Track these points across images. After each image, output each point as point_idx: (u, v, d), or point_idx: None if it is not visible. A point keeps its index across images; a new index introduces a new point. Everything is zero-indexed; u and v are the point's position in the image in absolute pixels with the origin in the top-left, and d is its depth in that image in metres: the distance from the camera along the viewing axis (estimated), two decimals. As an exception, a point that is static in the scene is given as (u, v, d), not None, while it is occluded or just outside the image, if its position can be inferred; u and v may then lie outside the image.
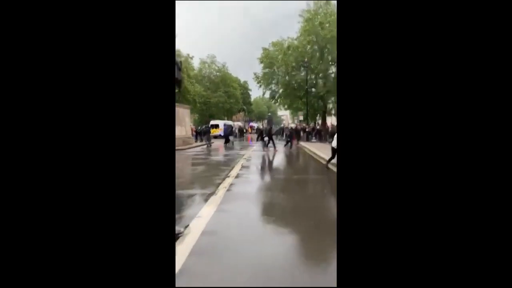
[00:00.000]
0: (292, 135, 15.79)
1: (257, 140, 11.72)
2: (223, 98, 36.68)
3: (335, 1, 22.03)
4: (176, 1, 1.24)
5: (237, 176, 6.48)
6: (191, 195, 4.75)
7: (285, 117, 54.20)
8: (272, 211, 3.99)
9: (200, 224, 3.31)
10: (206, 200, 4.39)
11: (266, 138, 13.04)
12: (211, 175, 6.78)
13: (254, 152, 12.55)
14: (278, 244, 2.77)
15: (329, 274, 2.16)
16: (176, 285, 1.25)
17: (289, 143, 14.01)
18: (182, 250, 2.57)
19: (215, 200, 4.39)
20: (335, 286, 1.11)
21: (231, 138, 17.13)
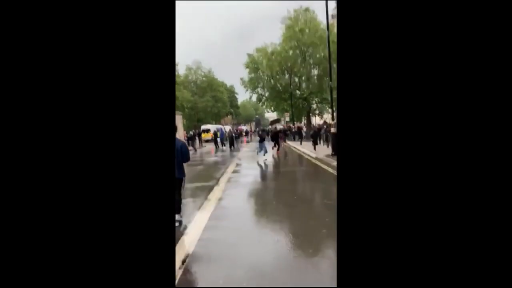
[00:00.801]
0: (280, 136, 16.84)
1: (260, 142, 10.57)
2: (210, 102, 37.58)
3: (314, 9, 23.42)
4: (176, 1, 1.23)
5: (234, 172, 7.54)
6: (198, 187, 5.75)
7: (273, 119, 55.51)
8: (264, 191, 5.10)
9: (211, 204, 4.36)
10: (211, 189, 5.42)
11: (268, 141, 11.85)
12: (211, 172, 7.81)
13: (246, 153, 13.61)
14: (268, 209, 3.87)
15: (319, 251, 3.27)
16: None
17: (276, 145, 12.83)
18: (203, 220, 3.65)
19: (219, 188, 5.44)
20: (335, 286, 1.13)
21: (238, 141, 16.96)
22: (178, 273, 2.25)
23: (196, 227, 3.33)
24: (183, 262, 2.44)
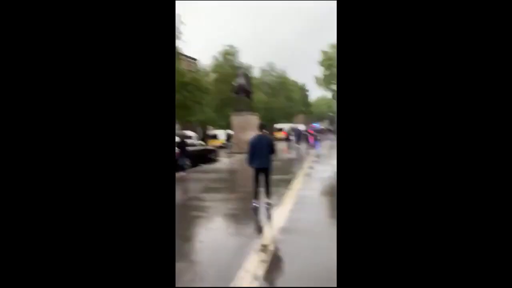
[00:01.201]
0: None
1: None
2: (284, 102, 38.67)
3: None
4: (176, 1, 1.20)
5: (309, 167, 8.07)
6: (279, 179, 6.51)
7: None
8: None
9: (294, 189, 5.04)
10: (291, 181, 6.10)
11: None
12: (288, 167, 8.51)
13: (320, 150, 13.85)
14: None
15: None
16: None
17: None
18: (288, 204, 4.37)
19: (298, 180, 6.10)
20: (335, 286, 1.14)
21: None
22: (274, 238, 2.97)
23: (283, 209, 4.04)
24: (275, 234, 3.16)
